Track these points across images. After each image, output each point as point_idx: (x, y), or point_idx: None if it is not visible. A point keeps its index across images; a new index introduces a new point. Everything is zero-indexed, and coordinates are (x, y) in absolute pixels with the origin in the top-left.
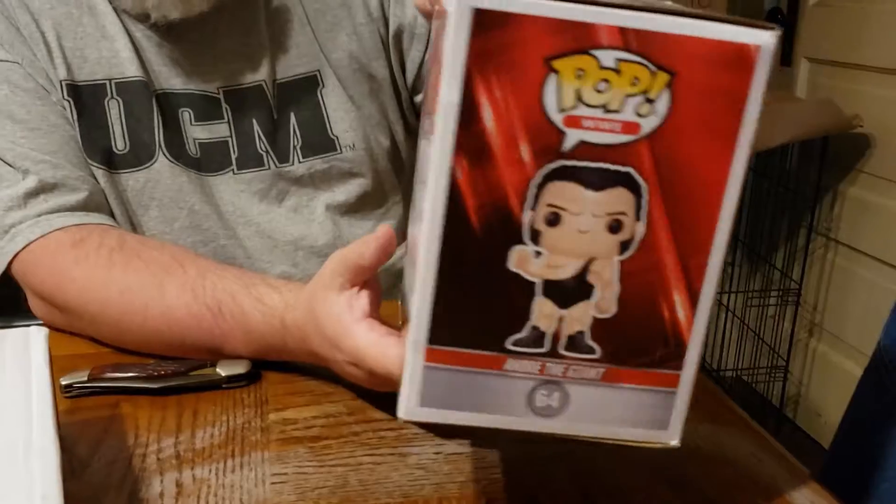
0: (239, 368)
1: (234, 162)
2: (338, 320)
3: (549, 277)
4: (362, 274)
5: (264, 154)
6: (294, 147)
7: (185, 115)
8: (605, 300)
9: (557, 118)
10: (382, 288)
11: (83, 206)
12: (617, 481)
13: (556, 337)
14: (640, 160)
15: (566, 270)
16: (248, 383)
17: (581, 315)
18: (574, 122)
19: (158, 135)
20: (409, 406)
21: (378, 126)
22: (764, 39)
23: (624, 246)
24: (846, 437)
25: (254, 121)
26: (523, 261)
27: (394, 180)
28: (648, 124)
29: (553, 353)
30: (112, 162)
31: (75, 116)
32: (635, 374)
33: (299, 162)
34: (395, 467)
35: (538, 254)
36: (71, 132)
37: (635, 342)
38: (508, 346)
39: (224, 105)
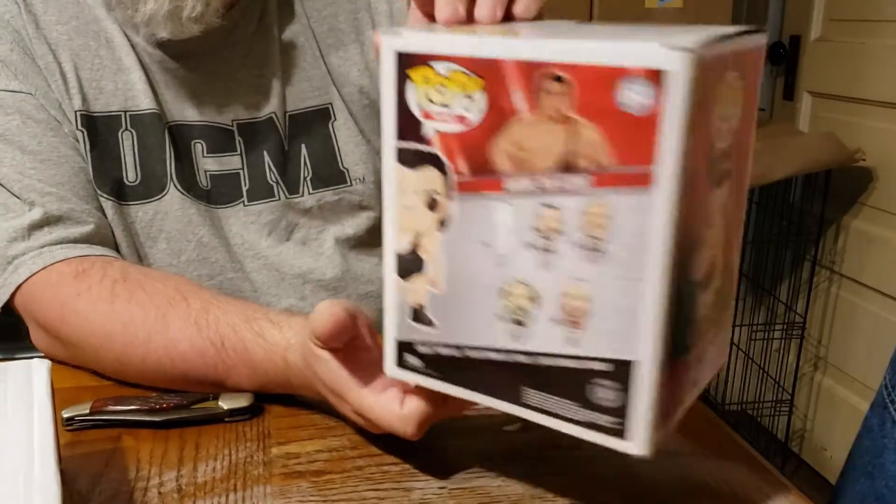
0: (241, 402)
1: (244, 194)
2: (335, 379)
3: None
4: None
5: (274, 185)
6: (304, 178)
7: (198, 147)
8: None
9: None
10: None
11: (87, 239)
12: None
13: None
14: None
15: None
16: (250, 417)
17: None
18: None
19: (170, 167)
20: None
21: None
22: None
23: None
24: (853, 473)
25: (265, 152)
26: None
27: None
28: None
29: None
30: (122, 193)
31: (88, 147)
32: None
33: (309, 194)
34: (399, 502)
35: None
36: (81, 164)
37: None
38: None
39: (237, 138)
